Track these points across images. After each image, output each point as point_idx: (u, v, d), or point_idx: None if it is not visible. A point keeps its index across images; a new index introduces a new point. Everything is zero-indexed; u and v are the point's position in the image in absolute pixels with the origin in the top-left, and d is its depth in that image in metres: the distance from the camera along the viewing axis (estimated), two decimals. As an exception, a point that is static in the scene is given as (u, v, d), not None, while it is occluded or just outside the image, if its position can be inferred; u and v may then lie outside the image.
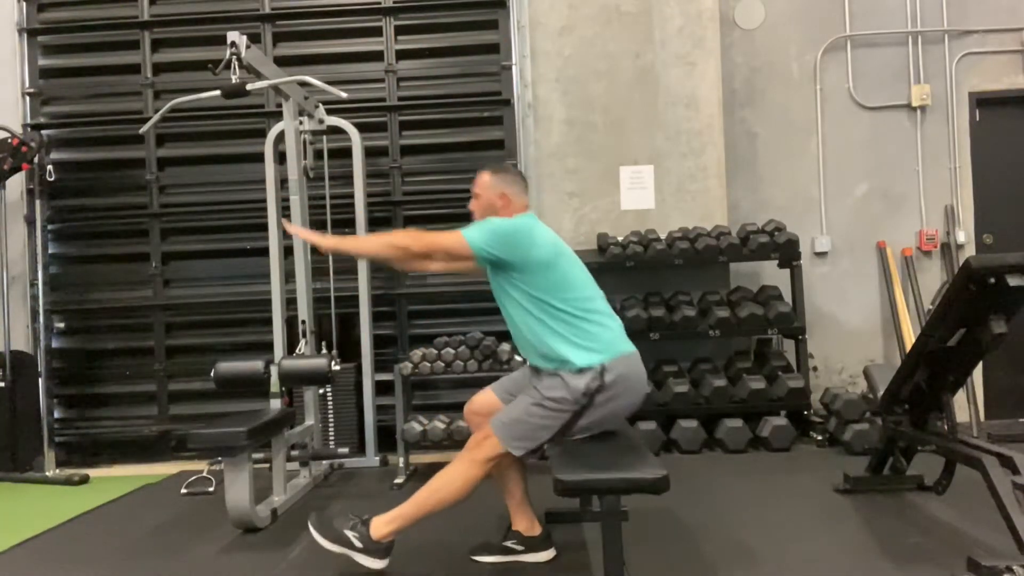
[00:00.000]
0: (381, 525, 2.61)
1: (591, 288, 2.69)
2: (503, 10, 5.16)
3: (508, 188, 2.77)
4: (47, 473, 4.62)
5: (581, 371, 2.51)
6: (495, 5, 5.18)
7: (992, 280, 2.60)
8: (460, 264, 2.76)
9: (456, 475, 2.56)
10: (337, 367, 3.84)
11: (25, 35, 5.23)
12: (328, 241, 2.77)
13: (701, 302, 4.82)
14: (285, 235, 4.36)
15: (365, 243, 2.76)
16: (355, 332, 4.71)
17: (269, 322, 4.43)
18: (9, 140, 4.72)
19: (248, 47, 3.61)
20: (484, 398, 2.86)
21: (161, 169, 5.24)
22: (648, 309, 4.68)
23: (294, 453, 4.08)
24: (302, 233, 2.90)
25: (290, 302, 4.37)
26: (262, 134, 4.80)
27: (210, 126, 5.23)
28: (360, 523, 2.63)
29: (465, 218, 5.11)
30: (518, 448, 2.55)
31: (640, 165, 5.05)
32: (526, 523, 2.79)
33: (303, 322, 4.19)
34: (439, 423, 4.17)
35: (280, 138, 4.50)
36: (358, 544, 2.60)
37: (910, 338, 4.91)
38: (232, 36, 3.56)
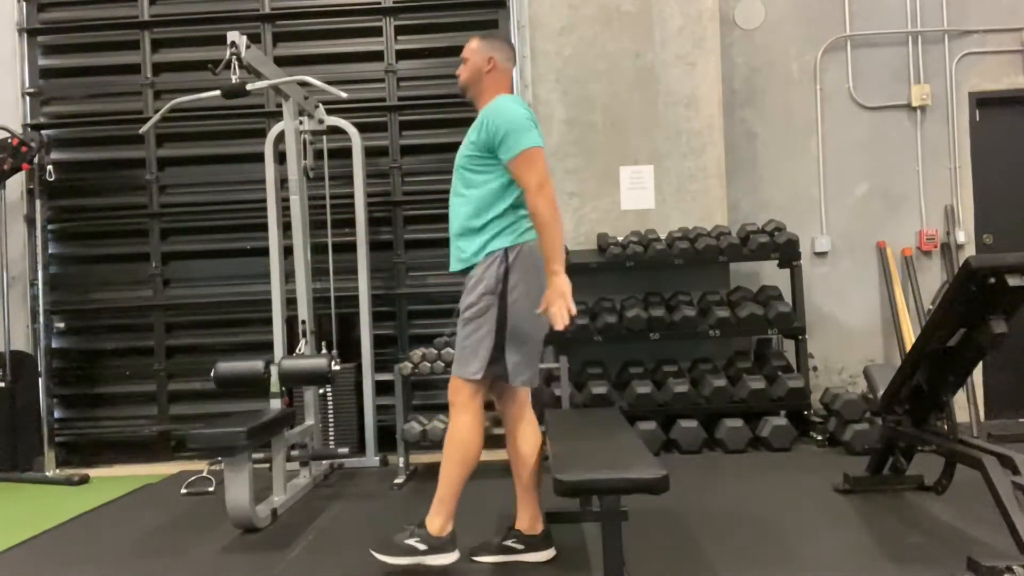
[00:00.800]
0: (433, 519, 2.66)
1: None
2: (503, 10, 5.16)
3: (496, 53, 2.79)
4: (47, 473, 4.63)
5: (488, 260, 2.61)
6: (495, 5, 5.18)
7: (992, 280, 2.60)
8: None
9: (454, 432, 2.66)
10: (337, 367, 3.84)
11: (25, 35, 5.23)
12: (565, 282, 2.55)
13: (701, 302, 4.82)
14: (285, 235, 4.37)
15: (555, 236, 2.57)
16: (355, 332, 4.72)
17: (269, 322, 4.44)
18: (9, 140, 4.72)
19: (248, 47, 3.61)
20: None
21: (161, 169, 5.25)
22: (648, 309, 4.68)
23: (294, 453, 4.08)
24: (565, 307, 2.53)
25: (290, 302, 4.38)
26: (262, 134, 4.81)
27: (210, 126, 5.23)
28: (416, 528, 2.67)
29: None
30: (475, 371, 2.62)
31: (640, 165, 5.05)
32: (528, 521, 2.79)
33: (303, 322, 4.19)
34: (439, 423, 4.17)
35: (280, 138, 4.50)
36: (423, 547, 2.64)
37: (910, 338, 4.91)
38: (232, 36, 3.57)
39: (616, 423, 2.98)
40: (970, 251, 5.25)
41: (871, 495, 3.42)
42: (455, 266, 2.75)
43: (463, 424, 2.65)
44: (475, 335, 2.63)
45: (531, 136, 2.58)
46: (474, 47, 2.81)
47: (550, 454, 2.59)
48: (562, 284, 2.54)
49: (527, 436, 2.78)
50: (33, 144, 4.75)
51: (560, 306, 2.51)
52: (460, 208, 2.71)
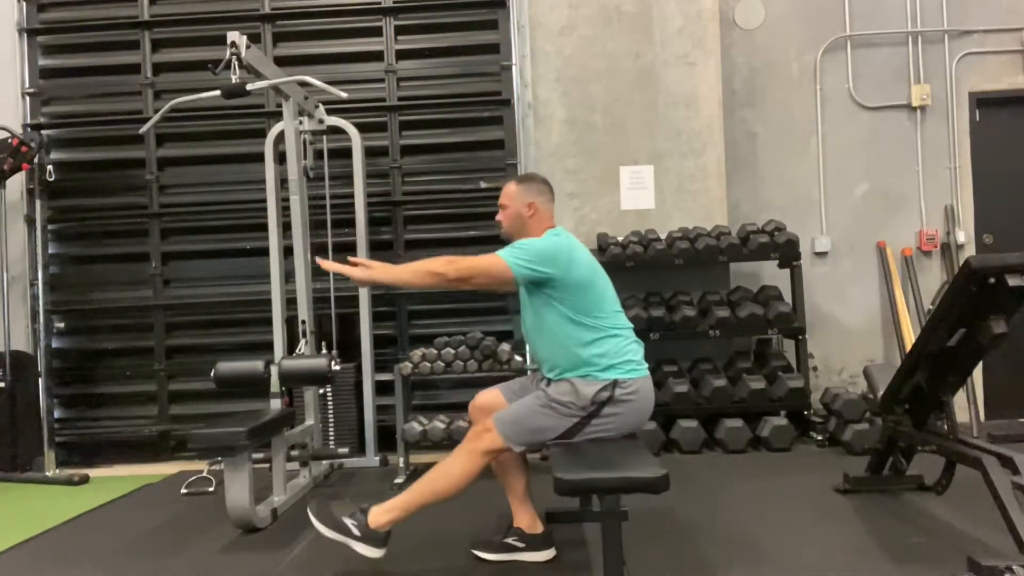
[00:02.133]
0: (380, 514, 2.61)
1: (621, 311, 2.75)
2: (503, 10, 5.16)
3: (535, 197, 2.78)
4: (47, 473, 4.63)
5: (596, 381, 2.56)
6: (495, 5, 5.18)
7: (992, 280, 2.60)
8: (498, 285, 2.73)
9: (454, 467, 2.58)
10: (337, 367, 3.84)
11: (25, 35, 5.22)
12: (362, 273, 2.65)
13: (701, 302, 4.82)
14: (285, 235, 4.37)
15: (400, 272, 2.61)
16: (355, 332, 4.71)
17: (269, 322, 4.43)
18: (9, 140, 4.72)
19: (248, 47, 3.61)
20: (489, 396, 2.86)
21: (161, 169, 5.24)
22: (648, 309, 4.68)
23: (294, 453, 4.07)
24: (335, 267, 2.70)
25: (290, 302, 4.37)
26: (262, 134, 4.80)
27: (210, 126, 5.23)
28: (359, 512, 2.64)
29: (465, 217, 5.15)
30: (518, 445, 2.57)
31: (640, 165, 5.05)
32: (528, 521, 2.80)
33: (303, 322, 4.18)
34: (439, 423, 4.17)
35: (280, 138, 4.50)
36: (356, 532, 2.60)
37: (910, 338, 4.91)
38: (232, 36, 3.56)
39: (616, 423, 2.97)
40: (970, 251, 5.25)
41: (871, 495, 3.42)
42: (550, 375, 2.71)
43: (468, 470, 2.56)
44: (542, 423, 2.57)
45: (517, 255, 2.57)
46: (512, 193, 2.80)
47: (550, 454, 2.59)
48: (350, 269, 2.63)
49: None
50: (33, 144, 4.75)
51: (333, 265, 2.67)
52: (545, 338, 2.69)
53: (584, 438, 2.59)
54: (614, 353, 2.60)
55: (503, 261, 2.57)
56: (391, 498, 2.64)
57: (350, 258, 2.80)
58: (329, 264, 2.72)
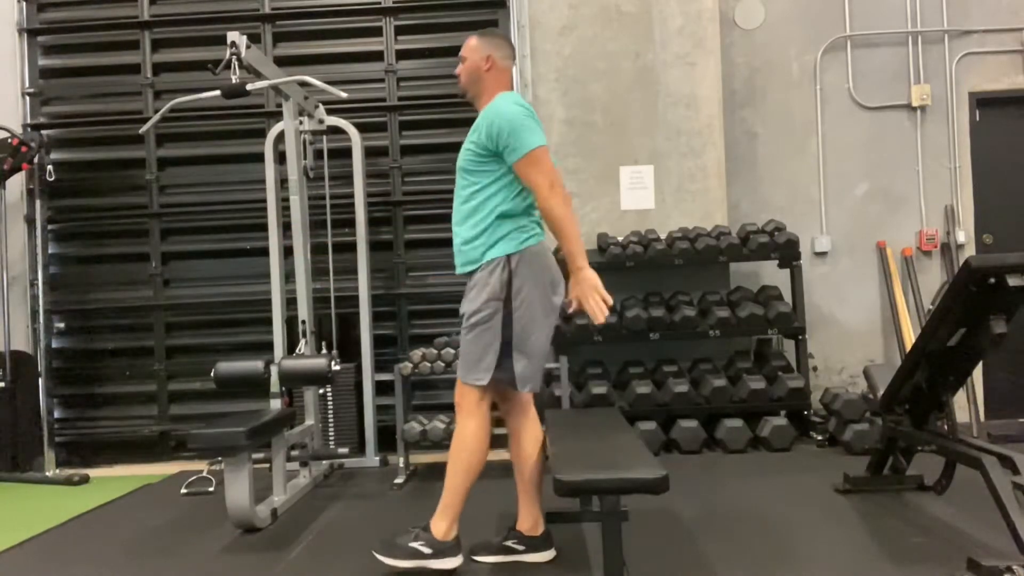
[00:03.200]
0: (438, 522, 2.65)
1: None
2: (503, 10, 5.16)
3: (494, 51, 2.76)
4: (47, 473, 4.62)
5: (490, 266, 2.59)
6: (495, 5, 5.18)
7: (992, 280, 2.60)
8: None
9: (459, 438, 2.65)
10: (337, 367, 3.84)
11: (25, 35, 5.23)
12: (592, 276, 2.56)
13: (701, 302, 4.82)
14: (285, 235, 4.37)
15: (571, 236, 2.55)
16: (355, 332, 4.71)
17: (269, 322, 4.44)
18: (9, 140, 4.72)
19: (248, 47, 3.61)
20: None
21: (161, 169, 5.24)
22: (648, 309, 4.68)
23: (294, 453, 4.08)
24: (600, 299, 2.56)
25: (290, 302, 4.37)
26: (262, 134, 4.81)
27: (210, 126, 5.23)
28: (421, 531, 2.66)
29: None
30: (480, 376, 2.61)
31: (640, 165, 5.05)
32: (530, 522, 2.79)
33: (303, 322, 4.19)
34: (439, 423, 4.17)
35: (280, 138, 4.50)
36: (427, 551, 2.63)
37: (910, 338, 4.91)
38: (232, 36, 3.56)
39: (616, 423, 2.98)
40: (970, 251, 5.25)
41: (871, 495, 3.42)
42: (462, 268, 2.72)
43: (469, 430, 2.64)
44: (480, 341, 2.61)
45: (535, 136, 2.56)
46: (472, 45, 2.78)
47: (550, 454, 2.59)
48: (591, 278, 2.55)
49: (531, 436, 2.79)
50: (33, 144, 4.75)
51: (596, 299, 2.52)
52: (462, 210, 2.69)
53: (520, 324, 2.58)
54: (514, 234, 2.61)
55: (544, 148, 2.56)
56: (438, 505, 2.66)
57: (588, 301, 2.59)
58: (594, 306, 2.57)
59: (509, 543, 2.79)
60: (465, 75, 2.79)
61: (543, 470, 2.81)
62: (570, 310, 2.69)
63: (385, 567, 2.66)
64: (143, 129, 4.34)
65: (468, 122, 5.23)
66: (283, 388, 3.91)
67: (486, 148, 2.61)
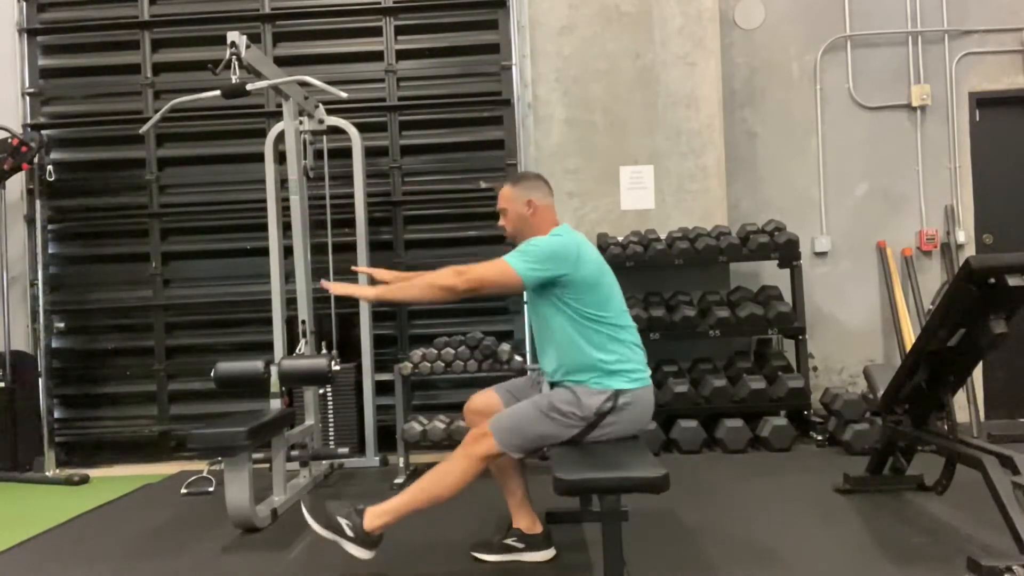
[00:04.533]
0: (374, 517, 2.60)
1: (627, 312, 2.72)
2: (503, 10, 5.16)
3: (532, 194, 2.75)
4: (47, 473, 4.63)
5: (599, 391, 2.53)
6: (495, 5, 5.18)
7: (992, 280, 2.60)
8: (507, 291, 2.69)
9: (451, 471, 2.55)
10: (337, 367, 3.83)
11: (25, 35, 5.23)
12: (371, 292, 2.66)
13: (701, 302, 4.82)
14: (285, 235, 4.37)
15: (409, 290, 2.62)
16: (355, 332, 4.71)
17: (269, 322, 4.43)
18: (9, 140, 4.72)
19: (248, 47, 3.60)
20: (484, 398, 2.85)
21: (161, 169, 5.24)
22: (648, 309, 4.68)
23: (294, 453, 4.07)
24: (341, 289, 2.70)
25: (290, 302, 4.37)
26: (262, 134, 4.80)
27: (210, 126, 5.23)
28: (355, 512, 2.62)
29: (465, 217, 5.14)
30: (516, 451, 2.56)
31: (640, 165, 5.05)
32: (527, 522, 2.80)
33: (303, 322, 4.18)
34: (439, 423, 4.17)
35: (280, 138, 4.50)
36: (349, 533, 2.59)
37: (910, 338, 4.91)
38: (232, 36, 3.56)
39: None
40: (970, 251, 5.25)
41: (871, 495, 3.42)
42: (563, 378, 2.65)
43: (465, 474, 2.54)
44: (541, 430, 2.54)
45: (523, 261, 2.52)
46: (508, 195, 2.76)
47: (550, 454, 2.59)
48: (361, 291, 2.71)
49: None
50: (33, 144, 4.75)
51: (340, 287, 2.70)
52: (548, 336, 2.67)
53: (583, 442, 2.57)
54: (620, 360, 2.57)
55: (511, 268, 2.53)
56: (388, 500, 2.62)
57: (354, 267, 2.77)
58: (336, 287, 2.70)
59: (509, 541, 2.79)
60: (511, 226, 2.78)
61: (526, 477, 2.81)
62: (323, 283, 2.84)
63: (390, 566, 2.66)
64: (143, 129, 4.33)
65: (468, 122, 5.30)
66: (283, 388, 3.90)
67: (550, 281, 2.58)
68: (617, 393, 2.53)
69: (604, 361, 2.55)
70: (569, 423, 2.53)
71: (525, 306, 2.75)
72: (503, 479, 2.79)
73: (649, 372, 2.67)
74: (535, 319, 2.73)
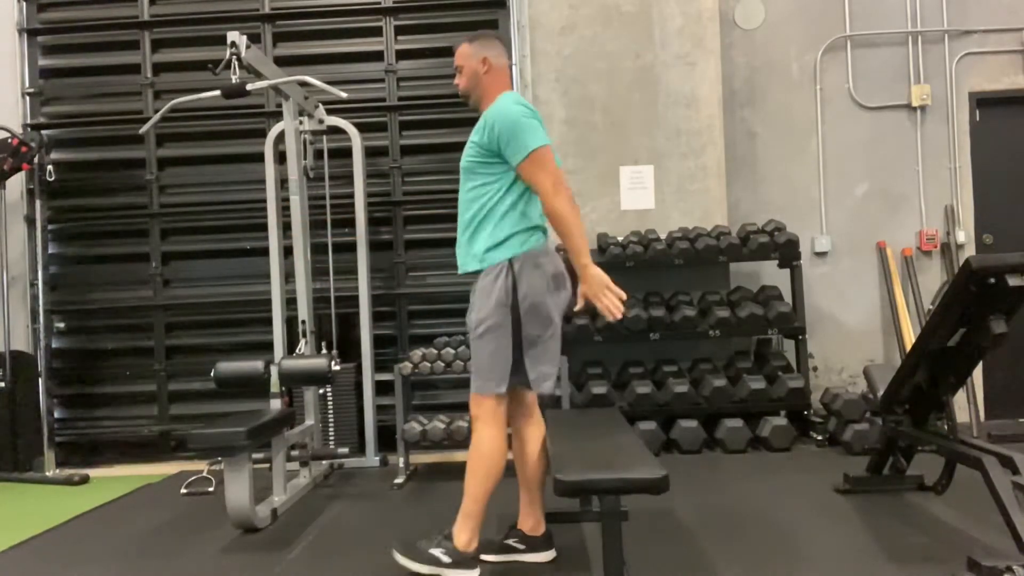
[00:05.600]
0: (459, 532, 2.62)
1: None
2: (503, 10, 5.16)
3: (488, 52, 2.74)
4: (47, 473, 4.63)
5: (493, 273, 2.57)
6: (495, 5, 5.18)
7: (992, 280, 2.60)
8: None
9: (477, 445, 2.61)
10: (337, 367, 3.84)
11: (25, 35, 5.23)
12: (594, 268, 2.52)
13: (701, 302, 4.82)
14: (285, 235, 4.37)
15: (575, 236, 2.51)
16: (355, 332, 4.72)
17: (269, 322, 4.44)
18: (9, 140, 4.72)
19: (248, 47, 3.61)
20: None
21: (161, 169, 5.25)
22: (648, 309, 4.68)
23: (294, 453, 4.08)
24: (612, 296, 2.51)
25: (290, 302, 4.37)
26: (262, 134, 4.81)
27: (210, 126, 5.23)
28: (443, 538, 2.64)
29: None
30: (496, 384, 2.58)
31: (640, 165, 5.05)
32: (532, 523, 2.79)
33: (303, 322, 4.19)
34: (439, 423, 4.17)
35: (280, 138, 4.50)
36: (446, 559, 2.60)
37: (910, 338, 4.91)
38: (232, 36, 3.56)
39: (616, 423, 2.98)
40: (970, 251, 5.25)
41: (871, 495, 3.42)
42: (463, 268, 2.71)
43: (488, 437, 2.60)
44: (491, 348, 2.58)
45: (537, 136, 2.54)
46: (466, 52, 2.76)
47: (550, 454, 2.59)
48: (599, 275, 2.50)
49: (535, 437, 2.78)
50: (33, 144, 4.75)
51: (609, 297, 2.48)
52: (466, 212, 2.67)
53: (529, 326, 2.57)
54: (516, 233, 2.59)
55: (546, 148, 2.53)
56: (459, 512, 2.63)
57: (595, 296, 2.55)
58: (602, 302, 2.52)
59: (510, 542, 2.79)
60: (464, 81, 2.77)
61: (546, 471, 2.81)
62: (577, 308, 2.68)
63: (390, 566, 2.66)
64: (143, 129, 4.34)
65: (468, 122, 5.22)
66: (283, 388, 3.91)
67: (488, 149, 2.59)
68: (510, 262, 2.56)
69: (501, 228, 2.58)
70: (499, 319, 2.56)
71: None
72: (524, 470, 2.78)
73: (542, 225, 2.67)
74: (471, 190, 2.66)
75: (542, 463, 2.79)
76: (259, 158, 4.66)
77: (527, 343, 2.60)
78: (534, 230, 2.66)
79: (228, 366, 3.76)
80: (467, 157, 2.68)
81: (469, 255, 2.66)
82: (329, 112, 4.62)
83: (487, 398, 2.60)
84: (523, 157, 2.53)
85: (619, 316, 2.50)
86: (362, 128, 4.77)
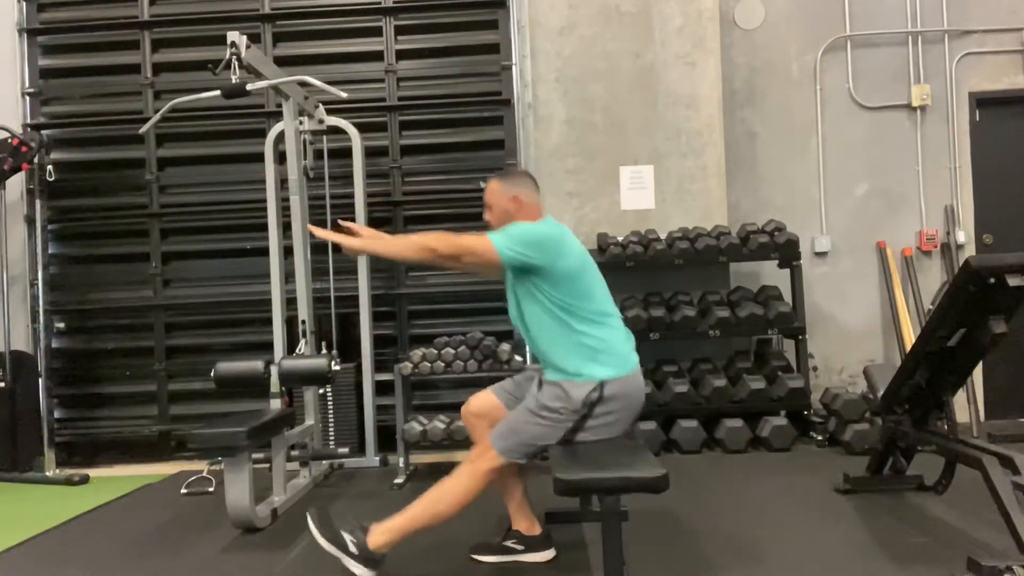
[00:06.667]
0: (379, 535, 2.57)
1: (610, 302, 2.69)
2: (503, 10, 5.16)
3: (518, 190, 2.75)
4: (47, 473, 4.63)
5: (583, 383, 2.52)
6: (495, 5, 5.18)
7: (992, 280, 2.60)
8: (485, 268, 2.67)
9: (456, 487, 2.55)
10: (337, 367, 3.84)
11: (25, 35, 5.22)
12: (355, 243, 2.60)
13: (701, 302, 4.82)
14: (285, 235, 4.37)
15: (394, 244, 2.61)
16: (355, 332, 4.71)
17: (269, 322, 4.44)
18: (9, 140, 4.72)
19: (248, 47, 3.61)
20: (482, 399, 2.85)
21: (161, 169, 5.24)
22: (648, 309, 4.68)
23: (294, 453, 4.08)
24: (326, 235, 2.67)
25: (290, 302, 4.37)
26: (262, 134, 4.80)
27: (210, 126, 5.22)
28: (359, 529, 2.60)
29: (465, 217, 5.14)
30: (518, 456, 2.56)
31: (640, 165, 5.05)
32: (526, 523, 2.80)
33: (303, 322, 4.19)
34: (439, 423, 4.17)
35: (280, 138, 4.50)
36: (352, 549, 2.56)
37: (910, 338, 4.91)
38: (232, 36, 3.56)
39: (616, 423, 2.97)
40: (970, 251, 5.25)
41: (871, 495, 3.42)
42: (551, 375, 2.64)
43: (469, 490, 2.54)
44: (537, 431, 2.53)
45: (504, 238, 2.52)
46: (495, 190, 2.76)
47: (550, 454, 2.59)
48: (358, 242, 2.60)
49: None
50: (33, 144, 4.75)
51: (324, 232, 2.66)
52: (535, 333, 2.64)
53: (582, 439, 2.56)
54: (600, 347, 2.55)
55: (492, 243, 2.52)
56: (392, 517, 2.59)
57: (341, 222, 2.74)
58: (321, 232, 2.70)
59: (508, 543, 2.79)
60: (495, 220, 2.76)
61: (525, 478, 2.81)
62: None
63: (390, 566, 2.66)
64: (143, 129, 4.34)
65: (468, 122, 5.30)
66: (283, 388, 3.91)
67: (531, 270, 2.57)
68: (603, 383, 2.52)
69: (584, 345, 2.54)
70: (561, 419, 2.52)
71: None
72: (503, 482, 2.78)
73: (636, 358, 2.65)
74: (520, 310, 2.69)
75: (520, 477, 2.79)
76: (259, 158, 4.66)
77: (568, 442, 2.56)
78: (627, 354, 2.63)
79: (228, 366, 3.76)
80: (511, 280, 2.69)
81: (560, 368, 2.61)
82: (329, 112, 4.61)
83: (497, 458, 2.54)
84: (492, 235, 2.56)
85: (318, 233, 2.69)
86: (362, 128, 4.77)
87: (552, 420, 2.53)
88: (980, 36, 5.28)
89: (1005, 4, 5.27)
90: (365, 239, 2.66)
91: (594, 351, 2.54)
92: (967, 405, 4.75)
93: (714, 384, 4.49)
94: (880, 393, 3.40)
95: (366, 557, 2.55)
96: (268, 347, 4.49)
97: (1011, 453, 2.65)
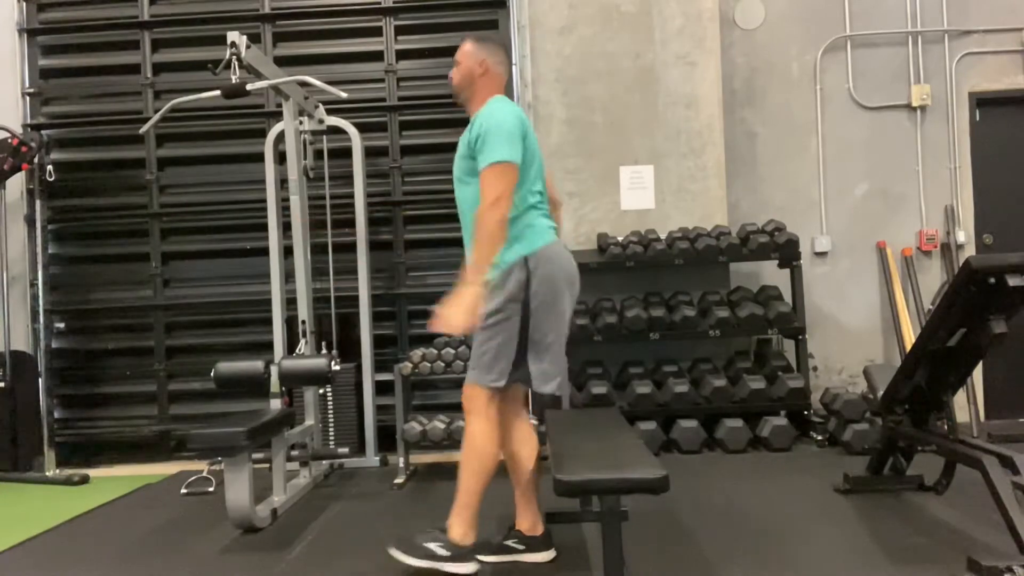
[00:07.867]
0: (454, 526, 2.62)
1: (540, 179, 2.71)
2: (503, 10, 5.16)
3: (488, 56, 2.76)
4: (47, 473, 4.63)
5: (508, 269, 2.55)
6: (495, 5, 5.18)
7: (992, 280, 2.60)
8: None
9: (470, 439, 2.62)
10: (337, 367, 3.84)
11: (25, 35, 5.23)
12: (472, 291, 2.45)
13: (701, 302, 4.82)
14: (285, 235, 4.37)
15: (481, 249, 2.47)
16: (355, 332, 4.72)
17: (269, 322, 4.44)
18: (9, 140, 4.72)
19: (248, 47, 3.61)
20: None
21: (161, 169, 5.25)
22: (648, 309, 4.68)
23: (294, 453, 4.08)
24: (459, 313, 2.44)
25: (290, 302, 4.38)
26: (262, 134, 4.81)
27: (210, 126, 5.23)
28: (439, 532, 2.64)
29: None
30: (496, 378, 2.58)
31: (640, 165, 5.05)
32: (529, 523, 2.79)
33: (303, 322, 4.19)
34: (439, 423, 4.17)
35: (280, 138, 4.50)
36: (444, 553, 2.60)
37: (910, 338, 4.91)
38: (232, 36, 3.56)
39: (616, 423, 2.98)
40: (970, 251, 5.25)
41: (871, 495, 3.42)
42: None
43: (480, 431, 2.61)
44: (495, 342, 2.58)
45: (503, 149, 2.51)
46: (467, 50, 2.78)
47: (550, 454, 2.59)
48: (468, 294, 2.44)
49: (524, 437, 2.77)
50: (33, 144, 4.75)
51: (449, 314, 2.43)
52: (470, 212, 2.65)
53: (539, 328, 2.57)
54: (519, 234, 2.58)
55: (506, 161, 2.51)
56: (453, 506, 2.63)
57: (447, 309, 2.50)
58: (454, 317, 2.46)
59: (509, 543, 2.78)
60: (458, 78, 2.80)
61: (539, 470, 2.81)
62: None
63: (390, 566, 2.66)
64: (143, 129, 4.34)
65: (468, 122, 5.25)
66: (283, 388, 3.91)
67: (475, 149, 2.60)
68: (525, 258, 2.56)
69: (511, 226, 2.56)
70: (506, 315, 2.56)
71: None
72: (516, 470, 2.78)
73: (554, 232, 2.67)
74: (463, 197, 2.69)
75: (533, 462, 2.79)
76: (259, 158, 4.66)
77: (533, 340, 2.60)
78: (544, 227, 2.65)
79: (228, 366, 3.76)
80: (458, 160, 2.69)
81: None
82: (329, 112, 4.62)
83: (482, 391, 2.61)
84: (486, 164, 2.53)
85: (436, 329, 2.47)
86: (362, 128, 4.77)
87: (500, 321, 2.56)
88: (980, 36, 5.28)
89: (1005, 4, 5.27)
90: (474, 267, 2.49)
91: (512, 239, 2.57)
92: (967, 405, 4.75)
93: (714, 384, 4.49)
94: (880, 393, 3.40)
95: (458, 553, 2.60)
96: (268, 347, 4.50)
97: (1011, 453, 2.65)
